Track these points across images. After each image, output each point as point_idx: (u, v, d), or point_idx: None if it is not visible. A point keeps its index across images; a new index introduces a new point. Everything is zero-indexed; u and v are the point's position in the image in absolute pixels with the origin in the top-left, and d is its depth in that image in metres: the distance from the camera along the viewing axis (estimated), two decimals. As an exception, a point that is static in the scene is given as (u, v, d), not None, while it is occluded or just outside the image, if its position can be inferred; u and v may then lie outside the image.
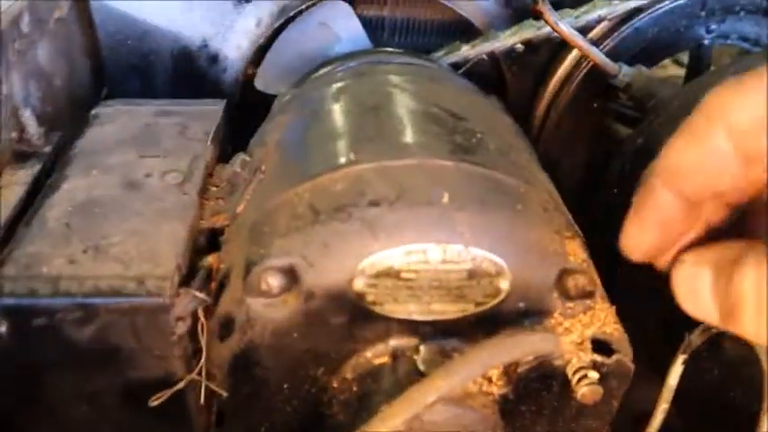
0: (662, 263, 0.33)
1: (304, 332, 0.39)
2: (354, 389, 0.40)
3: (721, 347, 0.46)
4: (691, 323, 0.36)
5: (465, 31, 0.66)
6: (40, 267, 0.39)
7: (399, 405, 0.36)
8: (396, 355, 0.40)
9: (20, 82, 0.57)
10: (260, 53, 0.66)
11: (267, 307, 0.39)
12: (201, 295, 0.40)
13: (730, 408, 0.46)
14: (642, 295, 0.44)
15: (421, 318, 0.39)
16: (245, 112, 0.64)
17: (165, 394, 0.40)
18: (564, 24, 0.54)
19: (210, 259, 0.43)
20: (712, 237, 0.33)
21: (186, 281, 0.41)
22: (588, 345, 0.40)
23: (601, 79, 0.60)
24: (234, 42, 0.66)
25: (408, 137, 0.43)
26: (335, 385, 0.42)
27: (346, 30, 0.65)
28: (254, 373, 0.41)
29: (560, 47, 0.64)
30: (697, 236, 0.33)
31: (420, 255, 0.37)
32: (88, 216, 0.43)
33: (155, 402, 0.40)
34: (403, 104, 0.46)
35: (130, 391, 0.41)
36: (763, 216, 0.32)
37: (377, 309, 0.38)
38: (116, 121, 0.52)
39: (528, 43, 0.60)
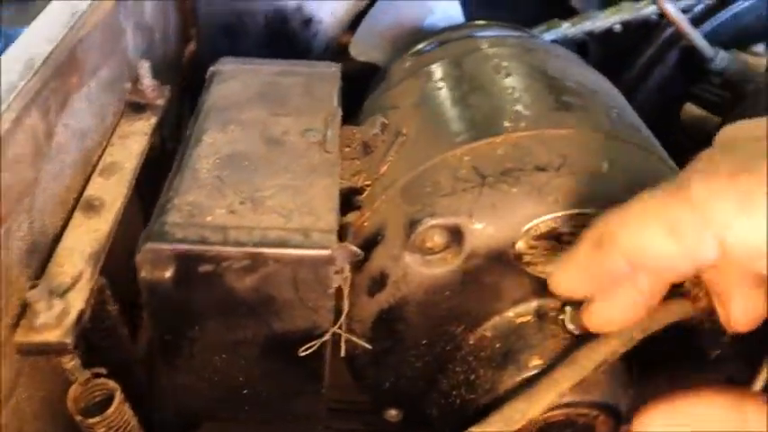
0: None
1: (456, 290, 0.41)
2: (497, 346, 0.42)
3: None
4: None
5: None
6: (204, 217, 0.40)
7: (568, 370, 0.37)
8: (539, 315, 0.42)
9: (132, 32, 0.57)
10: (356, 21, 0.66)
11: (425, 263, 0.40)
12: (357, 250, 0.41)
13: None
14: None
15: (570, 280, 0.41)
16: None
17: (314, 345, 0.42)
18: (671, 6, 0.55)
19: (352, 217, 0.45)
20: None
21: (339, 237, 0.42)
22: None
23: (692, 63, 0.61)
24: (329, 7, 0.66)
25: (556, 106, 0.44)
26: (471, 342, 0.43)
27: (441, 3, 0.66)
28: (396, 327, 0.43)
29: (647, 30, 0.65)
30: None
31: (583, 219, 0.38)
32: (237, 169, 0.44)
33: (304, 353, 0.42)
34: (542, 75, 0.47)
35: (273, 341, 0.43)
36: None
37: (530, 269, 0.40)
38: (238, 78, 0.53)
39: (627, 25, 0.62)
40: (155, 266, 0.39)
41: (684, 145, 0.65)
